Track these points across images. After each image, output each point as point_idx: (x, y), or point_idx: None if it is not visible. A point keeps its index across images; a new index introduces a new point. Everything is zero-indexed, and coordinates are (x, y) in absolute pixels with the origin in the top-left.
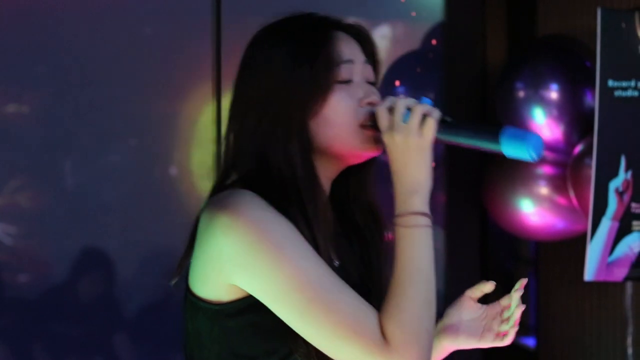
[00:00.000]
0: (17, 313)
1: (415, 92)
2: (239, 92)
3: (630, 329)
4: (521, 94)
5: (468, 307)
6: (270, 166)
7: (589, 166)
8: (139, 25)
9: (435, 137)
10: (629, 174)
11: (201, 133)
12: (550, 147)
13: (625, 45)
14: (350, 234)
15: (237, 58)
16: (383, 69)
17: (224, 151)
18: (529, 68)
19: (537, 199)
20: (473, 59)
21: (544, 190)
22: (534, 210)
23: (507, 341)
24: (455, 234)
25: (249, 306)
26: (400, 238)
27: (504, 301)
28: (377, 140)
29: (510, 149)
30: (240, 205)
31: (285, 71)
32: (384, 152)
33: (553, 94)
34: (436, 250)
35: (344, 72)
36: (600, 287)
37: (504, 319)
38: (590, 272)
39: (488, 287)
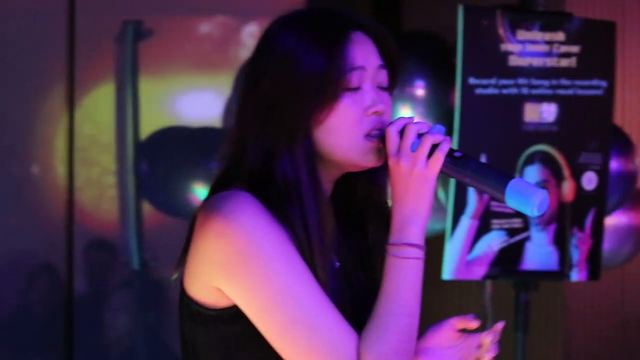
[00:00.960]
0: None
1: None
2: (246, 90)
3: (489, 326)
4: None
5: (448, 335)
6: (274, 168)
7: None
8: None
9: (441, 169)
10: None
11: (58, 134)
12: None
13: (487, 43)
14: (352, 234)
15: (91, 57)
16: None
17: (227, 149)
18: None
19: None
20: None
21: None
22: None
23: None
24: None
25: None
26: (391, 267)
27: (483, 338)
28: (380, 152)
29: (514, 200)
30: (236, 210)
31: (294, 76)
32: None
33: (419, 91)
34: None
35: (353, 79)
36: (462, 285)
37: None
38: (448, 271)
39: (473, 324)
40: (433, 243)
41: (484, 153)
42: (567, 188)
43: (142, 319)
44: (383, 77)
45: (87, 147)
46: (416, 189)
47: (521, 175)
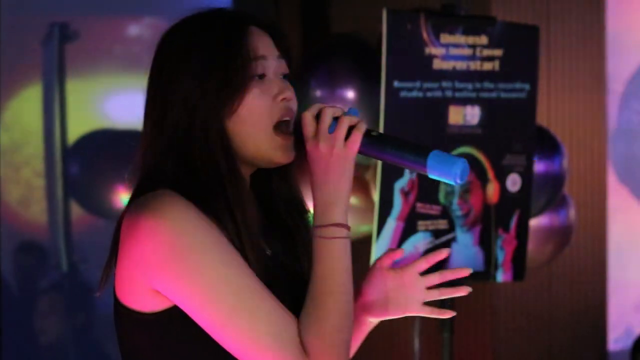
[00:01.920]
0: None
1: None
2: (155, 89)
3: (417, 325)
4: (317, 93)
5: (381, 278)
6: (193, 165)
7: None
8: None
9: (360, 149)
10: (414, 174)
11: None
12: None
13: (411, 46)
14: (276, 227)
15: (18, 59)
16: None
17: (142, 152)
18: (325, 67)
19: None
20: None
21: None
22: None
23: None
24: None
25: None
26: (319, 249)
27: (418, 265)
28: (289, 148)
29: (436, 171)
30: (163, 208)
31: (199, 70)
32: (297, 159)
33: (349, 93)
34: None
35: (258, 67)
36: None
37: (428, 287)
38: None
39: (398, 253)
40: (360, 245)
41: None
42: (492, 190)
43: (72, 321)
44: (283, 66)
45: (14, 148)
46: (336, 170)
47: None
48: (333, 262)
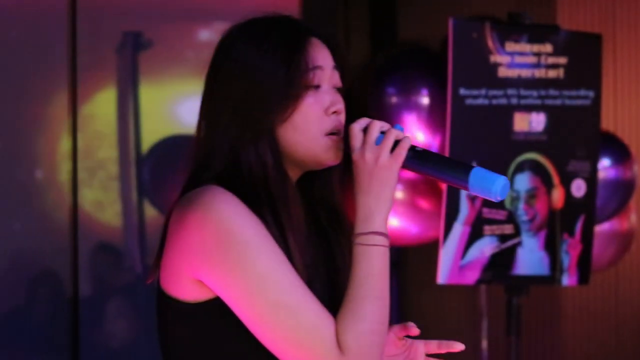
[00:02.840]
0: None
1: None
2: (211, 90)
3: (484, 328)
4: (393, 100)
5: (391, 343)
6: (242, 166)
7: None
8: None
9: (404, 163)
10: None
11: (61, 139)
12: None
13: (476, 55)
14: (317, 234)
15: (93, 62)
16: None
17: (195, 149)
18: (399, 73)
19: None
20: None
21: (400, 194)
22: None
23: None
24: None
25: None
26: (359, 255)
27: (429, 347)
28: (338, 149)
29: (477, 188)
30: (212, 201)
31: (257, 75)
32: (341, 170)
33: (424, 99)
34: None
35: (315, 78)
36: (459, 289)
37: None
38: (443, 276)
39: (414, 331)
40: (427, 249)
41: (475, 161)
42: (557, 195)
43: (145, 323)
44: (337, 78)
45: (90, 152)
46: (380, 180)
47: (512, 182)
48: (369, 268)
